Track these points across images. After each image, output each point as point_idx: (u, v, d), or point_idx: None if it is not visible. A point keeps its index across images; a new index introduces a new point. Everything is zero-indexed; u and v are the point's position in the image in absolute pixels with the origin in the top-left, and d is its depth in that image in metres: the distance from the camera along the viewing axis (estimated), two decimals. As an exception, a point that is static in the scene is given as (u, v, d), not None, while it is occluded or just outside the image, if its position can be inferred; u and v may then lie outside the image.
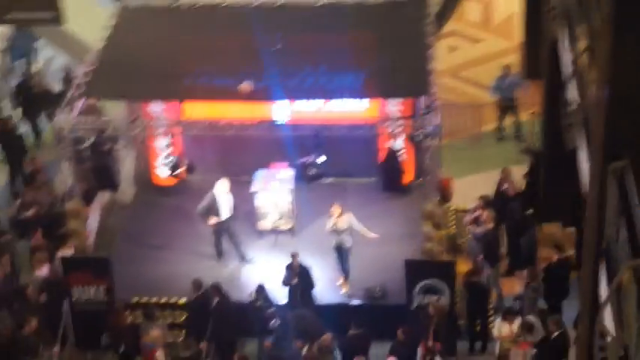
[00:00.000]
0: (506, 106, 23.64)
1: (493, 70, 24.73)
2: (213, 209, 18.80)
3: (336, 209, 18.45)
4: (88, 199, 19.99)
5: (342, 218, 18.47)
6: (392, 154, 18.27)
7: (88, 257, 18.71)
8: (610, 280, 9.85)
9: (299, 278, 17.81)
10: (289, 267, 17.95)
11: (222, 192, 18.78)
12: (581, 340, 10.98)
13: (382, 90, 19.19)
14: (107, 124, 18.69)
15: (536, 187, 19.68)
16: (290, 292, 17.88)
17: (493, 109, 23.78)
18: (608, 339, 9.11)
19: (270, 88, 18.56)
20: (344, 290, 18.61)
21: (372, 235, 18.41)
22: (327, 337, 16.19)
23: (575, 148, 12.44)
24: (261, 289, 17.51)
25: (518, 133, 23.90)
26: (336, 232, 18.45)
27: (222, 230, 19.06)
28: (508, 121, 23.99)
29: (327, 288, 18.73)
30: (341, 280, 18.73)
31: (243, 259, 19.24)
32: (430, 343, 15.97)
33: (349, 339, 16.60)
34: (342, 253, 18.65)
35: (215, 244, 19.22)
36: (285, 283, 17.90)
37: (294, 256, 17.95)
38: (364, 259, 19.45)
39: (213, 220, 18.83)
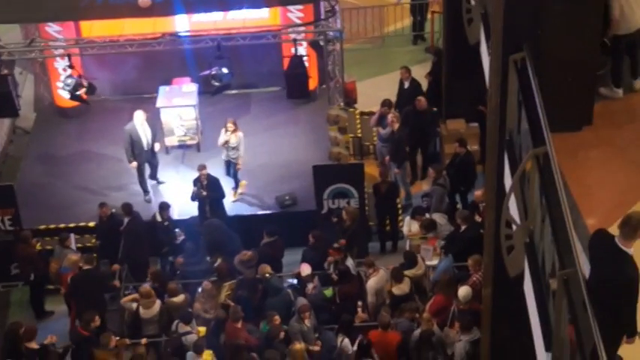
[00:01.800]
0: (419, 5, 23.57)
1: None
2: (135, 147, 18.47)
3: (230, 125, 18.43)
4: (-13, 127, 19.56)
5: (235, 134, 18.48)
6: (296, 61, 18.15)
7: (-8, 186, 18.36)
8: (513, 170, 10.02)
9: (208, 190, 17.76)
10: (197, 180, 17.87)
11: (139, 124, 18.45)
12: (488, 230, 11.21)
13: (281, -4, 18.97)
14: (2, 49, 18.18)
15: (439, 85, 19.83)
16: (200, 204, 17.83)
17: (395, 10, 23.74)
18: (514, 227, 9.29)
19: (169, 1, 18.20)
20: (233, 198, 18.73)
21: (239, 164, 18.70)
22: (248, 253, 16.21)
23: (477, 43, 12.53)
24: (164, 206, 17.44)
25: (420, 33, 23.96)
26: (227, 147, 18.50)
27: (143, 164, 18.78)
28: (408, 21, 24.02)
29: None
30: (232, 192, 18.85)
31: (157, 181, 19.05)
32: (336, 245, 16.13)
33: (262, 248, 16.67)
34: (230, 167, 18.77)
35: (139, 182, 18.86)
36: (195, 196, 17.83)
37: (201, 168, 17.87)
38: (272, 168, 19.51)
39: (134, 164, 18.54)
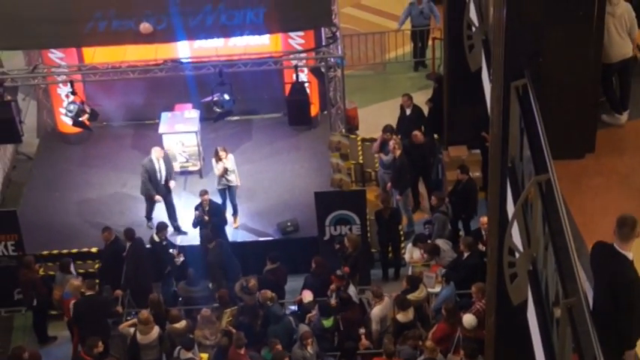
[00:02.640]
0: (419, 32, 23.64)
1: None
2: (150, 181, 18.46)
3: (222, 152, 18.52)
4: (-10, 153, 19.58)
5: (228, 159, 18.57)
6: (297, 87, 18.19)
7: (-5, 212, 18.38)
8: (516, 197, 10.01)
9: (210, 215, 17.75)
10: (199, 206, 17.87)
11: (155, 160, 18.45)
12: (491, 258, 11.20)
13: (283, 23, 19.00)
14: (6, 75, 18.24)
15: (440, 111, 19.86)
16: (201, 230, 17.81)
17: (396, 36, 23.81)
18: (517, 255, 9.28)
19: (170, 28, 18.30)
20: (235, 226, 18.78)
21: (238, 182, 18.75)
22: (252, 280, 16.19)
23: (479, 69, 12.56)
24: (161, 227, 17.43)
25: (421, 59, 24.02)
26: (226, 173, 18.53)
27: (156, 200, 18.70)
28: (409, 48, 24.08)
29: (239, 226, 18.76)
30: (232, 219, 18.85)
31: (176, 228, 18.88)
32: (339, 273, 16.08)
33: (265, 274, 16.65)
34: (230, 192, 18.77)
35: (147, 211, 18.82)
36: (196, 222, 17.83)
37: (202, 193, 17.87)
38: (274, 194, 19.52)
39: (157, 198, 18.47)
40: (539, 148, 9.32)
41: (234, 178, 18.65)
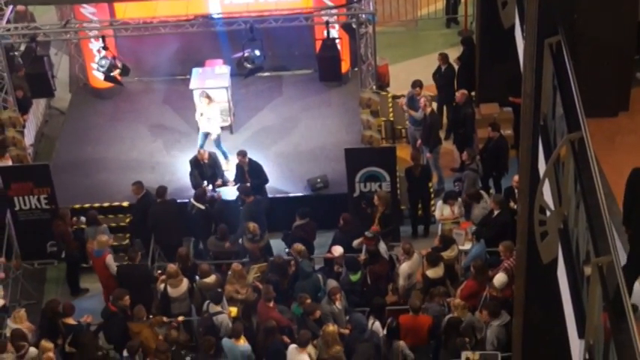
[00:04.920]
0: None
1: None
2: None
3: (204, 97, 18.77)
4: (24, 107, 19.67)
5: (211, 106, 18.77)
6: (328, 43, 18.11)
7: (28, 166, 18.47)
8: (548, 155, 9.97)
9: (250, 176, 17.80)
10: (238, 166, 17.91)
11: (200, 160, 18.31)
12: (522, 216, 11.17)
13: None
14: (38, 30, 18.29)
15: (470, 70, 19.76)
16: (240, 185, 17.77)
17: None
18: (548, 213, 9.25)
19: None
20: (226, 167, 18.90)
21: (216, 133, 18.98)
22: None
23: (511, 26, 12.45)
24: (201, 192, 17.53)
25: (453, 16, 23.84)
26: (206, 119, 18.83)
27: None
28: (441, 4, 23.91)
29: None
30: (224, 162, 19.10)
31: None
32: (369, 234, 16.08)
33: (294, 230, 16.72)
34: (210, 139, 19.05)
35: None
36: (238, 181, 17.85)
37: (241, 154, 17.93)
38: (304, 150, 19.53)
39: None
40: (572, 106, 9.27)
41: (209, 127, 18.88)
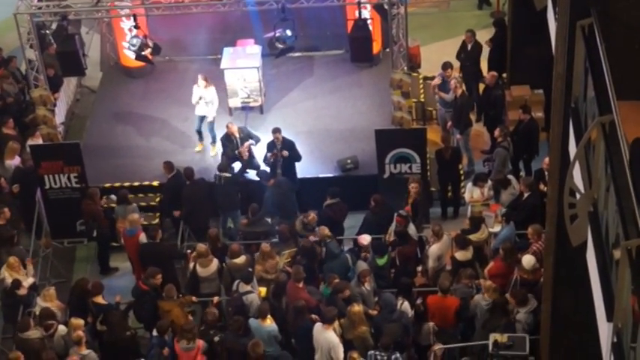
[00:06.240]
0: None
1: None
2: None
3: (201, 79, 18.77)
4: (55, 85, 19.77)
5: (208, 89, 18.78)
6: (360, 24, 18.06)
7: (59, 144, 18.53)
8: (578, 138, 9.90)
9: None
10: (271, 144, 17.93)
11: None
12: (552, 198, 11.13)
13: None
14: (69, 9, 18.36)
15: (501, 52, 19.65)
16: (272, 167, 17.86)
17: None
18: (578, 196, 9.21)
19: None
20: (213, 153, 19.11)
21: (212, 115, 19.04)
22: (312, 214, 16.29)
23: (544, 8, 12.37)
24: (224, 167, 17.60)
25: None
26: (204, 102, 18.87)
27: None
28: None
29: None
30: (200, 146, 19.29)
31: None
32: (403, 213, 16.05)
33: (324, 210, 16.72)
34: (206, 122, 19.08)
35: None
36: (269, 159, 17.89)
37: (275, 131, 17.92)
38: (335, 131, 19.53)
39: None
40: (604, 89, 9.18)
41: (206, 110, 18.92)
